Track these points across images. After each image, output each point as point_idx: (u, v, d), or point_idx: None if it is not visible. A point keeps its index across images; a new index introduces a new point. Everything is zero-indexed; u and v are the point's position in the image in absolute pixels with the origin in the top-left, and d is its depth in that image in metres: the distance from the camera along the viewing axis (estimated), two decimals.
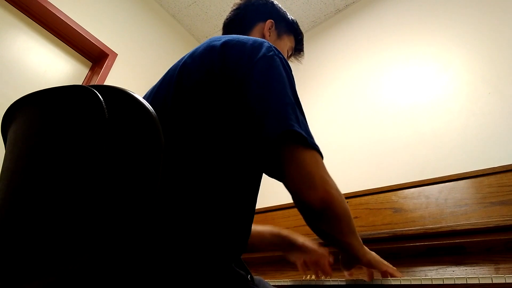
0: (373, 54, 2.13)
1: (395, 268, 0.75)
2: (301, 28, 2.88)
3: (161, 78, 0.69)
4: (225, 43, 0.63)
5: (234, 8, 0.95)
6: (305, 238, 0.95)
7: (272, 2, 0.95)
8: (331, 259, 0.91)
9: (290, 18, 0.96)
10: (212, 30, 2.91)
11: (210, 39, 0.69)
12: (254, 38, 0.65)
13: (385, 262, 0.75)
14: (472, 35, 1.70)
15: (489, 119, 1.43)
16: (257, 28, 0.90)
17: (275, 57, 0.61)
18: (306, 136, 0.53)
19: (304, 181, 0.53)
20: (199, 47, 0.67)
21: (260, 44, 0.63)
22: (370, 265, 0.71)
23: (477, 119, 1.46)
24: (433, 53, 1.81)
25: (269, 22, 0.90)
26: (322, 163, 0.56)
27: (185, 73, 0.62)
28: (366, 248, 0.69)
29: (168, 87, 0.63)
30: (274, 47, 0.64)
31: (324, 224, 0.57)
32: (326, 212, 0.54)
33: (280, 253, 1.25)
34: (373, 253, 0.72)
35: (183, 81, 0.61)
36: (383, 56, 2.07)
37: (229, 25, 0.93)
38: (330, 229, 0.58)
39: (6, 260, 0.42)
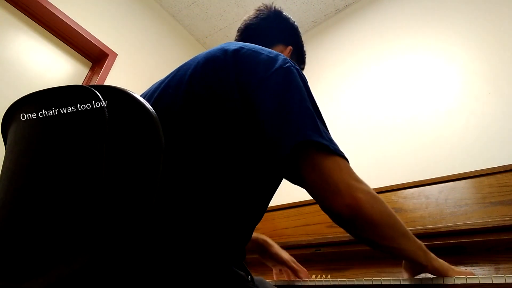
0: (373, 54, 2.13)
1: (470, 271, 0.69)
2: (301, 28, 2.88)
3: (168, 77, 0.67)
4: (239, 50, 0.62)
5: (262, 16, 0.90)
6: (280, 250, 0.96)
7: (297, 29, 0.94)
8: (308, 275, 0.94)
9: (304, 50, 0.96)
10: (212, 30, 2.91)
11: (223, 44, 0.68)
12: (269, 49, 0.65)
13: (457, 270, 0.68)
14: (472, 35, 1.70)
15: (489, 119, 1.43)
16: (277, 49, 0.87)
17: (292, 68, 0.60)
18: (326, 143, 0.52)
19: (327, 188, 0.51)
20: (213, 51, 0.65)
21: (276, 56, 0.62)
22: (438, 274, 0.65)
23: (477, 119, 1.46)
24: (433, 53, 1.81)
25: (290, 48, 0.89)
26: (347, 168, 0.54)
27: (196, 78, 0.60)
28: (431, 253, 0.64)
29: (177, 90, 0.61)
30: (289, 59, 0.63)
31: (360, 231, 0.54)
32: (357, 218, 0.51)
33: None
34: (441, 260, 0.67)
35: (195, 86, 0.59)
36: (383, 56, 2.07)
37: (249, 30, 0.89)
38: (370, 235, 0.55)
39: (6, 260, 0.42)
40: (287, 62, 0.61)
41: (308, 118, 0.54)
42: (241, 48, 0.63)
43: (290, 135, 0.52)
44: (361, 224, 0.53)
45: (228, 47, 0.64)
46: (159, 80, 0.72)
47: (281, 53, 0.86)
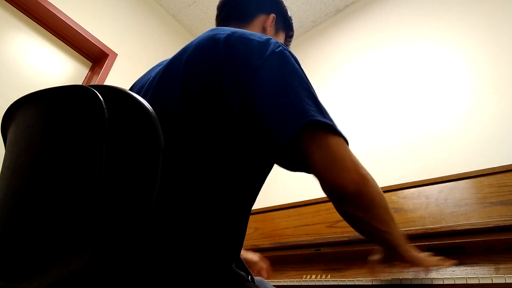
0: (373, 54, 2.13)
1: (448, 261, 0.69)
2: (301, 28, 2.86)
3: (159, 73, 0.65)
4: (230, 38, 0.61)
5: None
6: (248, 252, 0.97)
7: None
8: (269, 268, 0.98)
9: (289, 15, 0.95)
10: None
11: (211, 30, 0.66)
12: (258, 34, 0.64)
13: (432, 258, 0.69)
14: (472, 35, 1.70)
15: (489, 119, 1.43)
16: (259, 20, 0.86)
17: (284, 51, 0.60)
18: (331, 123, 0.53)
19: (334, 164, 0.51)
20: (202, 42, 0.63)
21: (267, 40, 0.61)
22: (416, 262, 0.65)
23: (477, 119, 1.46)
24: (433, 53, 1.81)
25: (272, 16, 0.87)
26: (349, 149, 0.55)
27: (190, 73, 0.60)
28: (408, 244, 0.65)
29: (172, 89, 0.60)
30: (280, 42, 0.62)
31: (359, 209, 0.55)
32: (360, 194, 0.52)
33: (280, 253, 1.25)
34: (417, 250, 0.68)
35: (189, 84, 0.59)
36: (382, 57, 2.07)
37: (228, 7, 0.88)
38: (367, 215, 0.55)
39: (5, 259, 0.42)
40: (279, 46, 0.60)
41: (310, 99, 0.54)
42: (230, 35, 0.62)
43: (294, 118, 0.52)
44: (364, 201, 0.53)
45: (218, 35, 0.63)
46: (151, 74, 0.71)
47: (265, 30, 0.86)
